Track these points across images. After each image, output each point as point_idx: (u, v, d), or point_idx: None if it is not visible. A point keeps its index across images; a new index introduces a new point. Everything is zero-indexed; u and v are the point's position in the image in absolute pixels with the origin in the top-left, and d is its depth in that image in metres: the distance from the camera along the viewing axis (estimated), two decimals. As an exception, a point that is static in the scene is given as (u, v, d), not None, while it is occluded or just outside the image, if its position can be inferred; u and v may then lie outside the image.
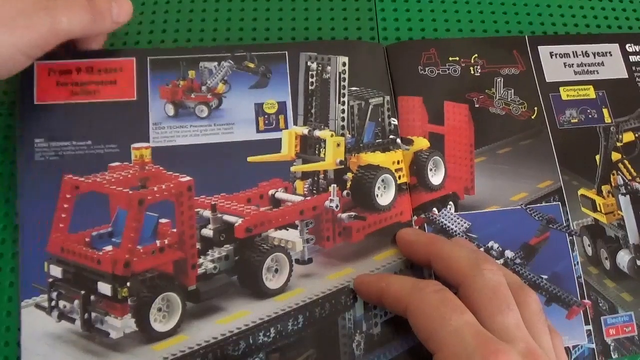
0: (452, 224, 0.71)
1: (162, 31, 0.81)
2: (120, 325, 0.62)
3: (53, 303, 0.64)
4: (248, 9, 0.84)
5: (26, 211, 0.66)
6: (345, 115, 0.76)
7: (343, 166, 0.75)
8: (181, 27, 0.82)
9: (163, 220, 0.66)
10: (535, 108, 0.78)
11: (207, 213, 0.69)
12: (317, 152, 0.77)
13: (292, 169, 0.74)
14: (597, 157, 0.76)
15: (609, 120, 0.78)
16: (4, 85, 0.74)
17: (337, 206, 0.72)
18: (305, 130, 0.76)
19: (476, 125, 0.76)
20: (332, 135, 0.75)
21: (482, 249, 0.70)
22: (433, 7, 0.87)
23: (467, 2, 0.88)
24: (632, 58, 0.82)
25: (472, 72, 0.78)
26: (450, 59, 0.78)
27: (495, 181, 0.75)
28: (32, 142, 0.68)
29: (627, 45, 0.83)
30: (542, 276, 0.69)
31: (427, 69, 0.77)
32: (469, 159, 0.75)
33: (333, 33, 0.83)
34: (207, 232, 0.69)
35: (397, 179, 0.74)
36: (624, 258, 0.73)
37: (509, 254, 0.71)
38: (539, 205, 0.73)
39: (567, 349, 0.67)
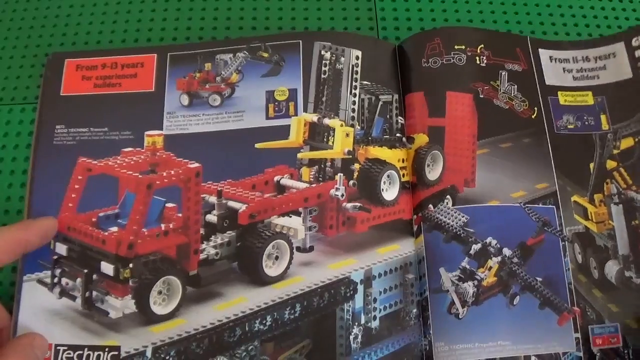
0: (449, 219, 0.63)
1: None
2: (120, 305, 0.56)
3: (55, 280, 0.58)
4: (248, 5, 0.77)
5: (39, 191, 0.62)
6: (355, 107, 0.69)
7: (351, 156, 0.68)
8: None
9: (169, 205, 0.60)
10: (535, 108, 0.68)
11: (212, 199, 0.63)
12: (325, 140, 0.69)
13: (299, 155, 0.67)
14: (592, 165, 0.67)
15: (606, 127, 0.68)
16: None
17: (342, 195, 0.65)
18: (314, 118, 0.68)
19: (480, 116, 0.67)
20: (341, 125, 0.68)
21: (480, 245, 0.62)
22: (433, 6, 0.78)
23: (467, 1, 0.79)
24: (637, 53, 0.71)
25: (478, 61, 0.69)
26: (456, 47, 0.69)
27: (496, 175, 0.65)
28: (53, 128, 0.66)
29: (633, 40, 0.71)
30: (537, 278, 0.61)
31: (430, 60, 0.68)
32: (471, 150, 0.66)
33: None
34: (212, 217, 0.62)
35: (401, 176, 0.66)
36: (612, 268, 0.64)
37: (506, 251, 0.62)
38: (536, 205, 0.64)
39: (557, 356, 0.59)
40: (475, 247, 0.62)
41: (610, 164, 0.67)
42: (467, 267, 0.61)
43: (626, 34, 0.73)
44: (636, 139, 0.68)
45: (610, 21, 0.77)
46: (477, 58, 0.69)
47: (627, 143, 0.68)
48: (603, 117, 0.68)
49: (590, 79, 0.70)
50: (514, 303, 0.60)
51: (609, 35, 0.74)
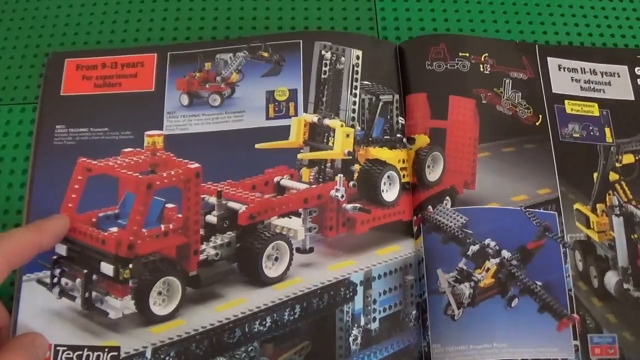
0: (448, 220, 0.62)
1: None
2: (119, 306, 0.55)
3: (55, 280, 0.57)
4: (248, 5, 0.76)
5: (38, 191, 0.62)
6: (356, 107, 0.68)
7: (351, 157, 0.67)
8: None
9: (169, 205, 0.60)
10: (540, 115, 0.68)
11: (212, 199, 0.62)
12: (325, 140, 0.69)
13: (299, 156, 0.67)
14: (595, 174, 0.66)
15: (610, 140, 0.68)
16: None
17: (342, 196, 0.65)
18: (315, 118, 0.68)
19: (482, 120, 0.66)
20: (342, 125, 0.67)
21: (477, 246, 0.61)
22: (433, 6, 0.77)
23: (468, 1, 0.78)
24: (640, 81, 0.72)
25: (482, 69, 0.69)
26: (460, 54, 0.69)
27: (497, 178, 0.65)
28: (53, 128, 0.66)
29: (636, 69, 0.72)
30: (537, 282, 0.61)
31: (434, 63, 0.68)
32: (472, 153, 0.66)
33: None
34: (212, 218, 0.62)
35: (402, 177, 0.66)
36: (611, 279, 0.63)
37: (505, 254, 0.61)
38: (537, 210, 0.63)
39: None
40: (473, 248, 0.61)
41: (613, 176, 0.67)
42: (464, 268, 0.60)
43: (629, 59, 0.73)
44: (637, 157, 0.67)
45: (614, 30, 0.77)
46: (481, 66, 0.69)
47: (628, 159, 0.68)
48: (607, 130, 0.68)
49: (596, 92, 0.70)
50: (512, 305, 0.59)
51: (614, 52, 0.74)
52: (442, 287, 0.59)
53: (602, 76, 0.71)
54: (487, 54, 0.70)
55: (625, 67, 0.72)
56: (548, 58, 0.71)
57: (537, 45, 0.72)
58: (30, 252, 0.52)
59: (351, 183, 0.66)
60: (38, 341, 0.51)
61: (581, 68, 0.71)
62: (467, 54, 0.69)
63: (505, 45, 0.72)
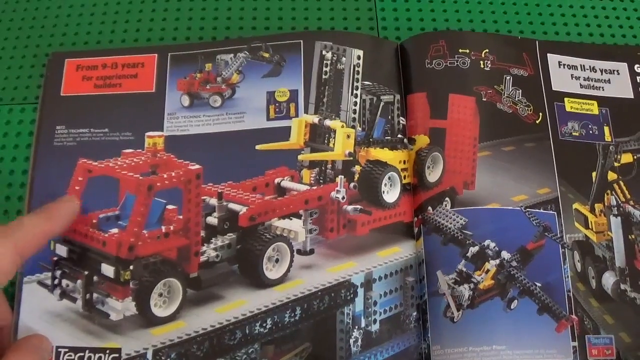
0: (447, 222, 0.62)
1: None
2: (120, 307, 0.55)
3: (56, 281, 0.58)
4: (248, 5, 0.76)
5: (39, 192, 0.62)
6: (357, 108, 0.68)
7: (352, 158, 0.67)
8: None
9: (170, 207, 0.60)
10: (540, 113, 0.68)
11: (213, 201, 0.62)
12: (326, 141, 0.69)
13: (300, 157, 0.67)
14: (594, 174, 0.66)
15: (609, 139, 0.68)
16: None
17: (343, 197, 0.65)
18: (315, 119, 0.68)
19: (482, 119, 0.66)
20: (342, 126, 0.67)
21: (477, 247, 0.61)
22: (433, 6, 0.77)
23: (468, 1, 0.78)
24: (639, 79, 0.71)
25: (482, 66, 0.69)
26: (460, 50, 0.69)
27: (497, 178, 0.65)
28: (53, 129, 0.66)
29: (635, 66, 0.72)
30: (537, 283, 0.62)
31: (434, 61, 0.68)
32: (472, 152, 0.66)
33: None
34: (212, 220, 0.62)
35: (402, 178, 0.66)
36: (608, 280, 0.63)
37: (505, 255, 0.61)
38: (537, 210, 0.64)
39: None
40: (473, 249, 0.61)
41: (611, 176, 0.67)
42: (464, 269, 0.61)
43: (629, 56, 0.73)
44: (635, 157, 0.68)
45: (614, 29, 0.77)
46: (482, 62, 0.69)
47: (626, 158, 0.68)
48: (606, 129, 0.68)
49: (596, 89, 0.70)
50: (512, 307, 0.60)
51: (614, 48, 0.74)
52: (442, 289, 0.59)
53: (602, 73, 0.71)
54: (487, 50, 0.69)
55: (625, 64, 0.72)
56: (548, 54, 0.71)
57: (537, 42, 0.72)
58: (42, 241, 0.52)
59: (352, 184, 0.67)
60: (44, 344, 0.52)
61: (581, 65, 0.71)
62: (467, 51, 0.69)
63: (506, 41, 0.72)
